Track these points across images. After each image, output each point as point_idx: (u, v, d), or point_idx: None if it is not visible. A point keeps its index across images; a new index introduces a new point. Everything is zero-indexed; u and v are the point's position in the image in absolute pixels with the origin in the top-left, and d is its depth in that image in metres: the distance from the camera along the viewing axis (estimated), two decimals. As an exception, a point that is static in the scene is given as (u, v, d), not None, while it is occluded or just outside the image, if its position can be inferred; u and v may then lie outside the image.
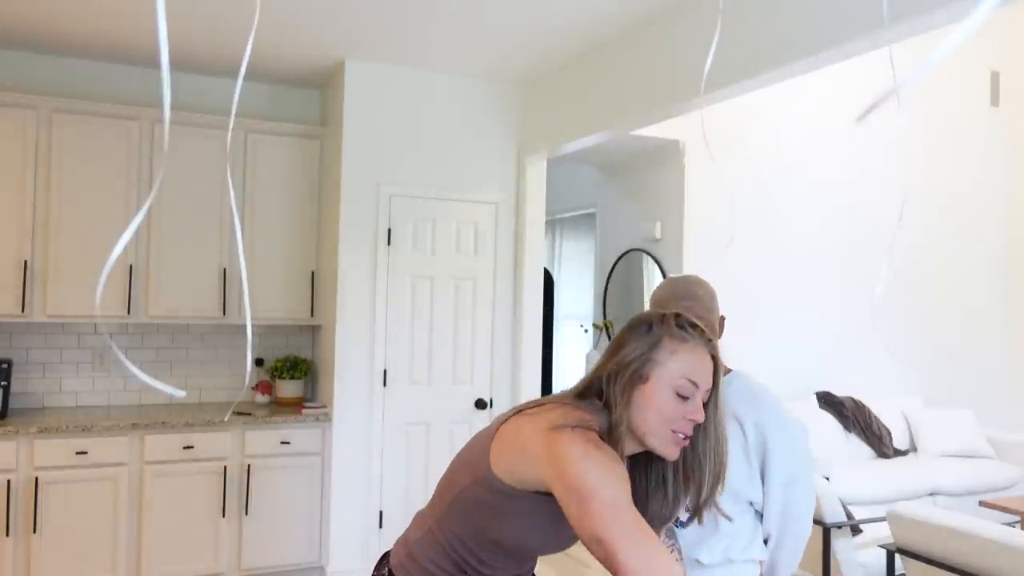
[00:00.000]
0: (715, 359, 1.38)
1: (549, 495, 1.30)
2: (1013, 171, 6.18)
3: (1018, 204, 6.16)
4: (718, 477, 1.40)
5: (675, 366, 1.34)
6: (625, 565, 1.12)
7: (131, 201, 4.02)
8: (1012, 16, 5.92)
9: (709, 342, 1.38)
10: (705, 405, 1.37)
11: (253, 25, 1.38)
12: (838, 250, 5.49)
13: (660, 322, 1.39)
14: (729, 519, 1.51)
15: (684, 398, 1.33)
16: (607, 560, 1.15)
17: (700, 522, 1.44)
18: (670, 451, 1.35)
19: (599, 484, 1.19)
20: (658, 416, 1.33)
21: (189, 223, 4.16)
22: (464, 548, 1.44)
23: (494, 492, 1.37)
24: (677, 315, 1.41)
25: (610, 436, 1.32)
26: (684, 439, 1.35)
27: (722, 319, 1.88)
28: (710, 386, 1.36)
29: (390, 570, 1.54)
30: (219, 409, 4.22)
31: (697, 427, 1.37)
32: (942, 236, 5.88)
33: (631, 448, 1.37)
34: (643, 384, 1.34)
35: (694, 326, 1.39)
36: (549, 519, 1.36)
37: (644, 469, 1.44)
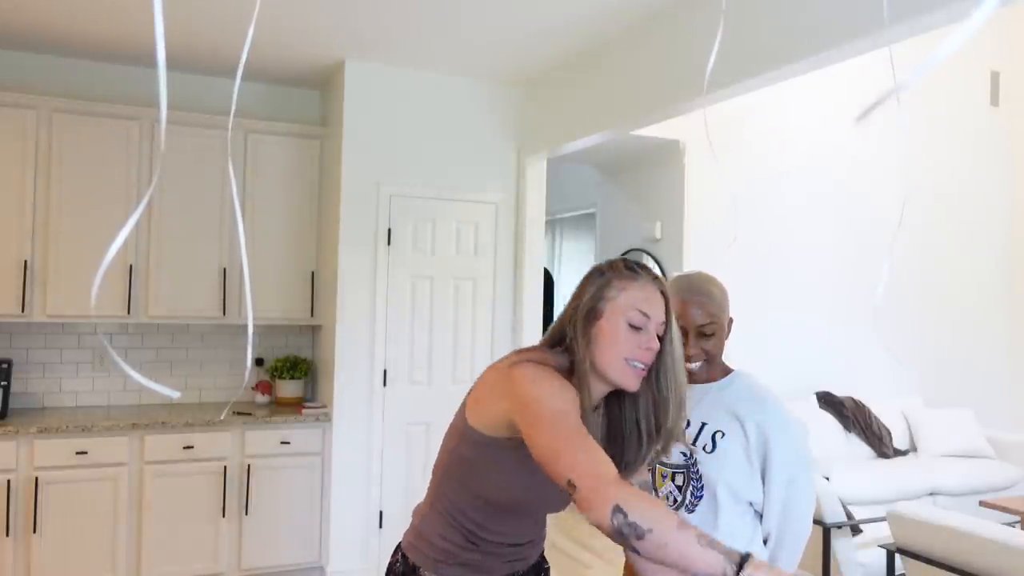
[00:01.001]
0: (664, 295, 1.46)
1: (519, 439, 1.36)
2: (1013, 171, 6.18)
3: (1018, 204, 6.16)
4: (680, 407, 1.46)
5: (624, 300, 1.43)
6: (571, 466, 1.19)
7: (131, 201, 4.02)
8: (1012, 16, 5.92)
9: (657, 279, 1.47)
10: (661, 340, 1.44)
11: (251, 24, 1.38)
12: (839, 250, 5.49)
13: (610, 266, 1.49)
14: (692, 450, 1.57)
15: (637, 329, 1.41)
16: (553, 463, 1.22)
17: (667, 453, 1.52)
18: (629, 382, 1.42)
19: (545, 396, 1.30)
20: (614, 348, 1.41)
21: (189, 223, 4.16)
22: (462, 515, 1.50)
23: (474, 445, 1.46)
24: (625, 259, 1.50)
25: (576, 377, 1.41)
26: (642, 369, 1.42)
27: (730, 321, 1.88)
28: (662, 319, 1.44)
29: (403, 553, 1.60)
30: (219, 409, 4.21)
31: (657, 363, 1.44)
32: (943, 236, 5.88)
33: (599, 389, 1.45)
34: (598, 320, 1.43)
35: (642, 266, 1.48)
36: (525, 465, 1.40)
37: (618, 416, 1.52)
